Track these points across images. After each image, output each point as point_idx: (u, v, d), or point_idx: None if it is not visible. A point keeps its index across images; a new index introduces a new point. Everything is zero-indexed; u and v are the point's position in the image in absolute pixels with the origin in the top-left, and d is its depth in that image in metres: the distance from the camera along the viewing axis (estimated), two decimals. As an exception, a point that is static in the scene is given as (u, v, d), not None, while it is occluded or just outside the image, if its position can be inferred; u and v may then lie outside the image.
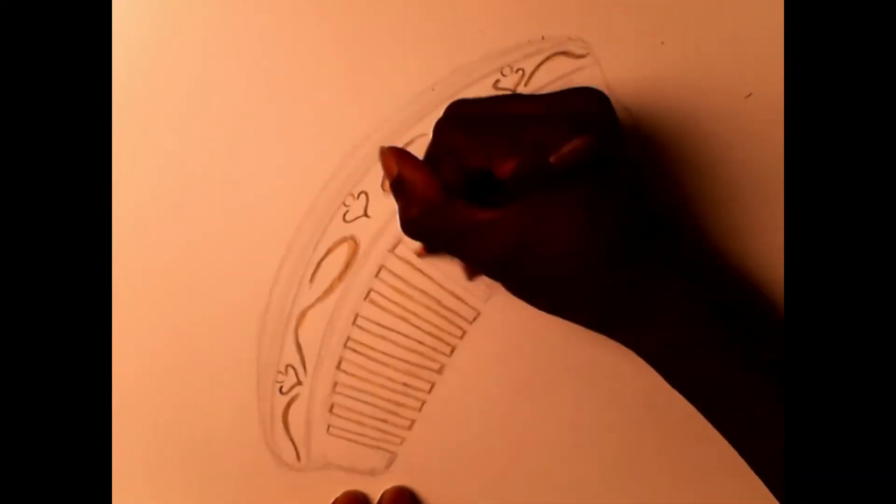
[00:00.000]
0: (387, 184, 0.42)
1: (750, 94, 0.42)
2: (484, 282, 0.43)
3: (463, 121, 0.37)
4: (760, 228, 0.43)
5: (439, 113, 0.40)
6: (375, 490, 0.45)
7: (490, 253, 0.36)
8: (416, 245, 0.42)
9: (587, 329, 0.38)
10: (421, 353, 0.44)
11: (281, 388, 0.44)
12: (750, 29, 0.42)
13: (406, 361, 0.44)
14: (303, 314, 0.43)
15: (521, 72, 0.42)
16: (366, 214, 0.43)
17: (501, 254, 0.36)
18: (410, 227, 0.37)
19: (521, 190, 0.35)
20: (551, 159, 0.34)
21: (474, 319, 0.44)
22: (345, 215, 0.43)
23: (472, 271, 0.43)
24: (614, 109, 0.36)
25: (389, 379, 0.44)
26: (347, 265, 0.43)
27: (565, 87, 0.42)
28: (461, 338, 0.44)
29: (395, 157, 0.38)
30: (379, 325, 0.44)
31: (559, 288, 0.37)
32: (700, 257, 0.43)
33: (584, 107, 0.35)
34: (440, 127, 0.37)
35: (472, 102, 0.37)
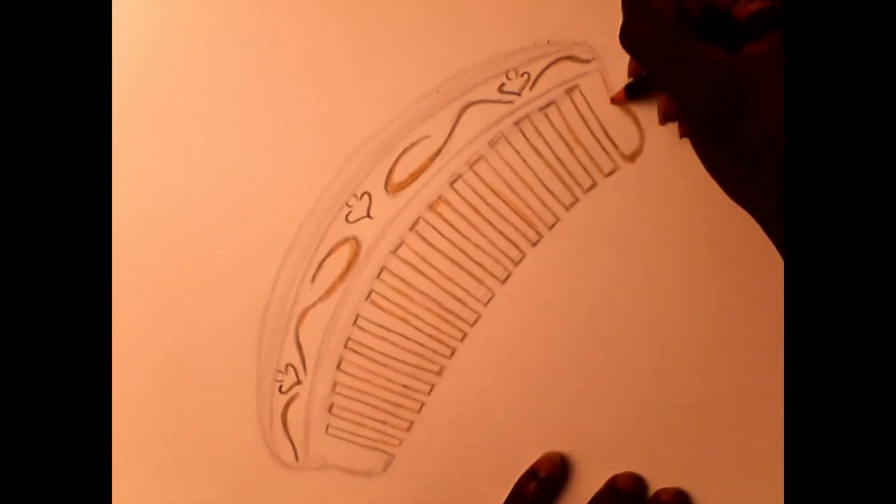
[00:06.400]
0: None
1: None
2: (485, 284, 0.43)
3: None
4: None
5: (444, 114, 0.40)
6: (374, 491, 0.44)
7: (708, 96, 0.33)
8: (616, 92, 0.41)
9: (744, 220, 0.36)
10: (421, 355, 0.44)
11: (280, 387, 0.44)
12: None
13: (406, 363, 0.44)
14: (304, 314, 0.43)
15: (526, 75, 0.42)
16: (368, 215, 0.43)
17: (718, 101, 0.33)
18: (632, 40, 0.35)
19: (748, 37, 0.33)
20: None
21: (475, 322, 0.43)
22: (347, 216, 0.43)
23: (668, 116, 0.41)
24: None
25: (389, 380, 0.44)
26: (349, 266, 0.43)
27: (570, 88, 0.42)
28: (462, 340, 0.44)
29: None
30: (379, 326, 0.44)
31: (758, 160, 0.34)
32: None
33: None
34: None
35: None
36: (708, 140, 0.36)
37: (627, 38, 0.35)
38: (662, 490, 0.44)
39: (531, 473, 0.43)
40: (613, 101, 0.42)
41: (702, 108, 0.34)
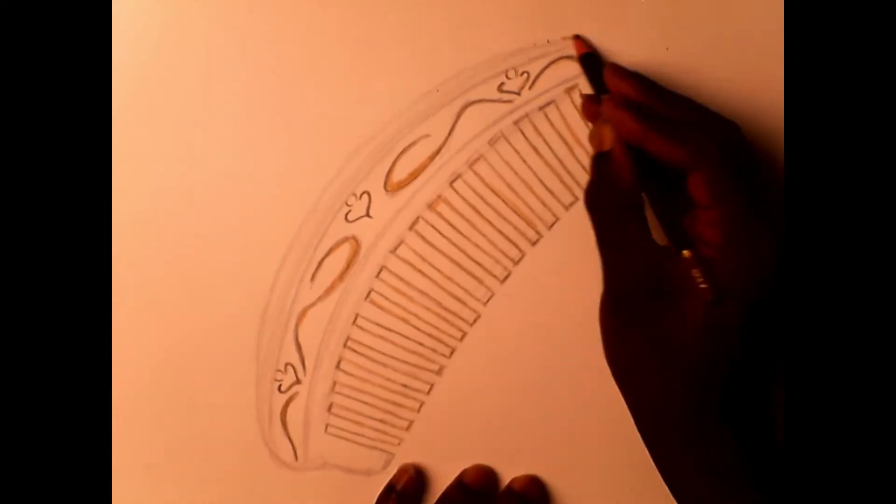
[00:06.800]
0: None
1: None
2: (485, 284, 0.43)
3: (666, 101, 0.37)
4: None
5: (444, 113, 0.40)
6: (374, 491, 0.45)
7: (628, 279, 0.36)
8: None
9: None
10: (420, 354, 0.44)
11: (280, 386, 0.44)
12: (753, 35, 0.42)
13: (405, 362, 0.44)
14: (303, 313, 0.43)
15: (525, 75, 0.42)
16: (368, 215, 0.43)
17: (644, 284, 0.35)
18: (591, 202, 0.37)
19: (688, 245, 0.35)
20: None
21: (475, 321, 0.44)
22: (347, 215, 0.43)
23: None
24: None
25: (388, 379, 0.44)
26: (348, 265, 0.43)
27: (569, 87, 0.42)
28: (461, 339, 0.44)
29: (610, 135, 0.37)
30: (379, 325, 0.44)
31: (665, 361, 0.35)
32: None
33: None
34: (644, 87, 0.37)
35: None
36: (620, 317, 0.37)
37: (588, 201, 0.37)
38: (515, 479, 0.44)
39: (389, 489, 0.44)
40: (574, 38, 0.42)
41: (627, 286, 0.36)
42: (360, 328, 0.44)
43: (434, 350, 0.44)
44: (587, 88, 0.41)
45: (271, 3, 0.41)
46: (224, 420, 0.44)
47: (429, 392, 0.44)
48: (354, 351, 0.44)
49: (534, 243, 0.43)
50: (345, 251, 0.43)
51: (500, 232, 0.43)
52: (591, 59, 0.41)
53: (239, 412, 0.44)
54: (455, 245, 0.43)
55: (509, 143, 0.42)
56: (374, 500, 0.44)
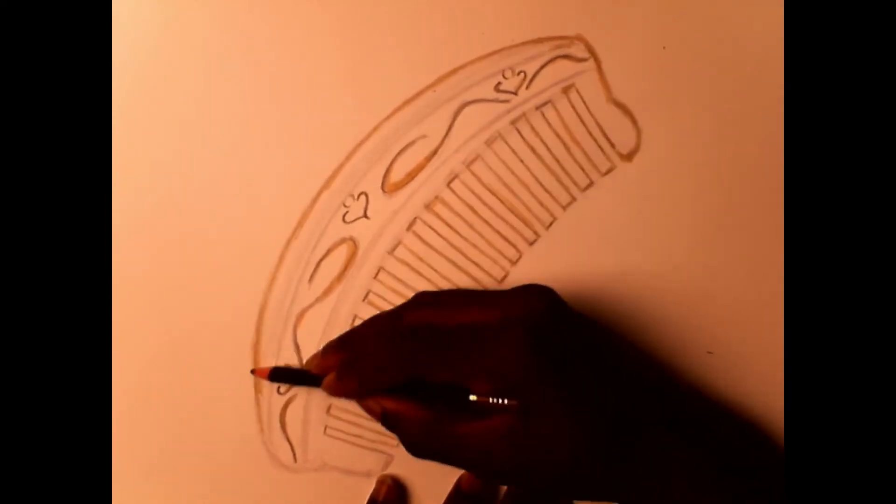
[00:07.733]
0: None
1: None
2: (482, 284, 0.43)
3: (424, 336, 0.37)
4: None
5: (441, 114, 0.40)
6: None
7: (492, 460, 0.36)
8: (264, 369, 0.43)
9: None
10: (419, 355, 0.44)
11: (279, 388, 0.44)
12: (750, 33, 0.42)
13: (404, 363, 0.44)
14: (301, 314, 0.43)
15: (522, 74, 0.42)
16: (365, 216, 0.43)
17: (503, 460, 0.36)
18: (419, 451, 0.38)
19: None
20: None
21: (473, 322, 0.43)
22: (344, 216, 0.43)
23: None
24: (565, 311, 0.37)
25: (387, 380, 0.44)
26: (346, 266, 0.43)
27: (566, 87, 0.42)
28: (459, 340, 0.44)
29: (374, 398, 0.39)
30: (377, 326, 0.44)
31: (564, 481, 0.37)
32: (697, 406, 0.43)
33: (537, 313, 0.36)
34: (403, 337, 0.38)
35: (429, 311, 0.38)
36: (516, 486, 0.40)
37: (416, 453, 0.38)
38: None
39: (371, 503, 0.44)
40: (255, 373, 0.43)
41: (495, 469, 0.37)
42: (359, 329, 0.44)
43: (432, 351, 0.44)
44: (585, 87, 0.42)
45: (271, 4, 0.41)
46: (223, 422, 0.44)
47: (427, 393, 0.44)
48: (353, 352, 0.44)
49: (531, 243, 0.43)
50: (342, 252, 0.43)
51: (498, 232, 0.43)
52: (280, 374, 0.43)
53: (238, 414, 0.44)
54: (453, 246, 0.43)
55: (506, 143, 0.42)
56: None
